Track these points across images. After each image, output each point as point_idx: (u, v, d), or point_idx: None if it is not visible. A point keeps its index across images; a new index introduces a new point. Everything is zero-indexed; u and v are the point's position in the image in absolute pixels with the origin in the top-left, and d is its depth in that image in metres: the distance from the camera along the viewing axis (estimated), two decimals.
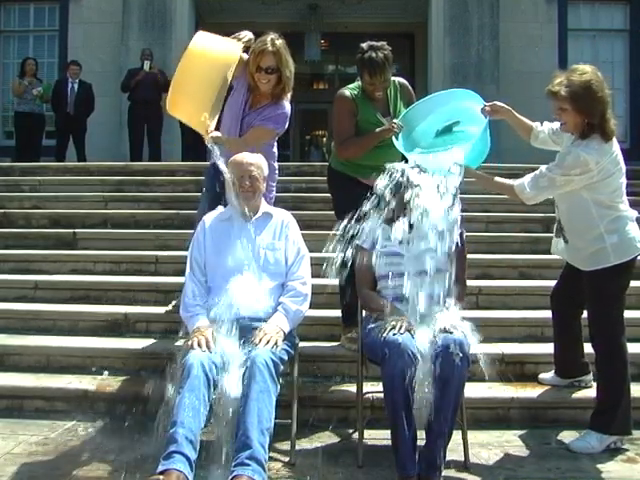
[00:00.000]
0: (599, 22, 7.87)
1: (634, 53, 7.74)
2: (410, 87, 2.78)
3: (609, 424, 2.16)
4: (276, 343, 1.99)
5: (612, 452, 2.17)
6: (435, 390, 1.89)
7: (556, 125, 2.31)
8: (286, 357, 2.07)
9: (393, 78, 2.68)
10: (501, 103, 2.41)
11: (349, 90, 2.63)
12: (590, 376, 2.48)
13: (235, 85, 2.57)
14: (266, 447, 1.82)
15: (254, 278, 2.15)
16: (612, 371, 2.16)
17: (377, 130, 2.54)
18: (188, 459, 1.75)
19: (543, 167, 2.17)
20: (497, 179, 2.31)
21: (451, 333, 1.92)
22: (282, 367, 2.01)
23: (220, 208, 2.33)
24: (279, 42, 2.48)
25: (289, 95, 2.58)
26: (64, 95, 6.76)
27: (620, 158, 2.17)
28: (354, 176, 2.69)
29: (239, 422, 1.84)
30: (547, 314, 2.56)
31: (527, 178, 2.19)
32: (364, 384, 2.20)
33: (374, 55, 2.47)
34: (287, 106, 2.59)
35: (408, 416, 1.88)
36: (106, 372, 2.68)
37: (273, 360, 1.94)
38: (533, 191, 2.17)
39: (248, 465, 1.76)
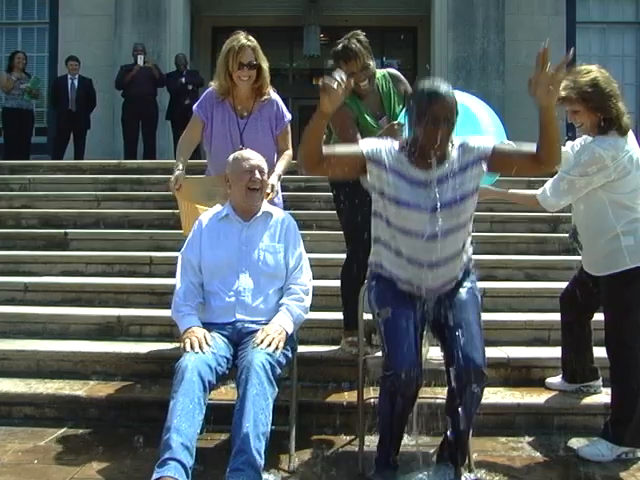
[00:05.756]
0: (609, 14, 7.71)
1: None
2: (402, 77, 2.67)
3: (622, 435, 2.10)
4: (277, 347, 1.93)
5: (624, 461, 2.12)
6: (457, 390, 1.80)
7: (577, 141, 2.29)
8: (284, 361, 2.01)
9: (383, 70, 2.60)
10: None
11: None
12: (599, 382, 2.43)
13: (210, 114, 2.54)
14: (262, 452, 1.76)
15: (252, 280, 2.09)
16: (627, 380, 2.10)
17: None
18: (184, 466, 1.70)
19: (561, 171, 2.15)
20: (516, 191, 2.33)
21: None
22: (280, 370, 1.95)
23: (218, 207, 2.25)
24: (251, 37, 2.50)
25: (270, 88, 2.57)
26: (64, 92, 6.68)
27: (638, 155, 2.12)
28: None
29: (234, 426, 1.79)
30: (554, 317, 2.51)
31: (548, 185, 2.18)
32: (365, 389, 2.14)
33: (346, 42, 2.44)
34: (274, 94, 2.60)
35: (399, 436, 1.87)
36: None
37: (270, 362, 1.89)
38: (554, 197, 2.15)
39: (243, 471, 1.71)
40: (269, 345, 1.92)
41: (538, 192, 2.21)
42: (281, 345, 1.95)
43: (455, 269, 1.86)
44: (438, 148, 1.75)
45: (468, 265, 1.94)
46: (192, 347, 1.91)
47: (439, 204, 1.77)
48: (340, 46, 2.44)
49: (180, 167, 2.48)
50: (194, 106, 2.61)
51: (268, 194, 2.38)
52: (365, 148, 1.83)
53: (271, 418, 1.83)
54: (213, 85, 2.55)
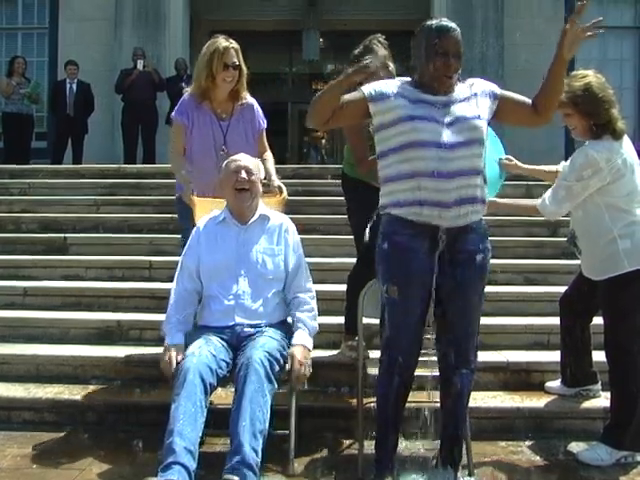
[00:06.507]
0: (608, 19, 7.66)
1: None
2: None
3: (621, 439, 2.10)
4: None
5: (624, 465, 2.11)
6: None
7: None
8: (282, 361, 2.00)
9: (400, 79, 2.61)
10: (518, 163, 2.42)
11: None
12: (598, 386, 2.43)
13: (191, 121, 2.53)
14: (259, 451, 1.76)
15: (251, 283, 2.09)
16: (626, 383, 2.10)
17: None
18: (187, 469, 1.70)
19: (558, 179, 2.19)
20: (520, 202, 2.40)
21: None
22: (279, 367, 1.95)
23: (215, 211, 2.26)
24: (232, 39, 2.53)
25: (246, 92, 2.60)
26: (63, 96, 6.68)
27: (632, 159, 2.14)
28: (369, 181, 2.62)
29: (231, 424, 1.79)
30: (553, 321, 2.51)
31: (547, 194, 2.21)
32: (364, 393, 2.13)
33: (367, 43, 2.49)
34: (250, 97, 2.63)
35: (395, 427, 1.86)
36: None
37: (269, 359, 1.90)
38: (553, 205, 2.18)
39: (238, 469, 1.71)
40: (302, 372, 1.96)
41: (538, 202, 2.24)
42: (309, 371, 2.00)
43: (471, 188, 1.77)
44: (448, 81, 1.78)
45: (483, 203, 1.82)
46: (164, 371, 1.94)
47: (454, 118, 1.76)
48: (361, 47, 2.48)
49: (189, 179, 2.46)
50: (172, 114, 2.59)
51: (280, 196, 2.41)
52: (366, 90, 1.84)
53: (269, 415, 1.82)
54: (189, 91, 2.55)
